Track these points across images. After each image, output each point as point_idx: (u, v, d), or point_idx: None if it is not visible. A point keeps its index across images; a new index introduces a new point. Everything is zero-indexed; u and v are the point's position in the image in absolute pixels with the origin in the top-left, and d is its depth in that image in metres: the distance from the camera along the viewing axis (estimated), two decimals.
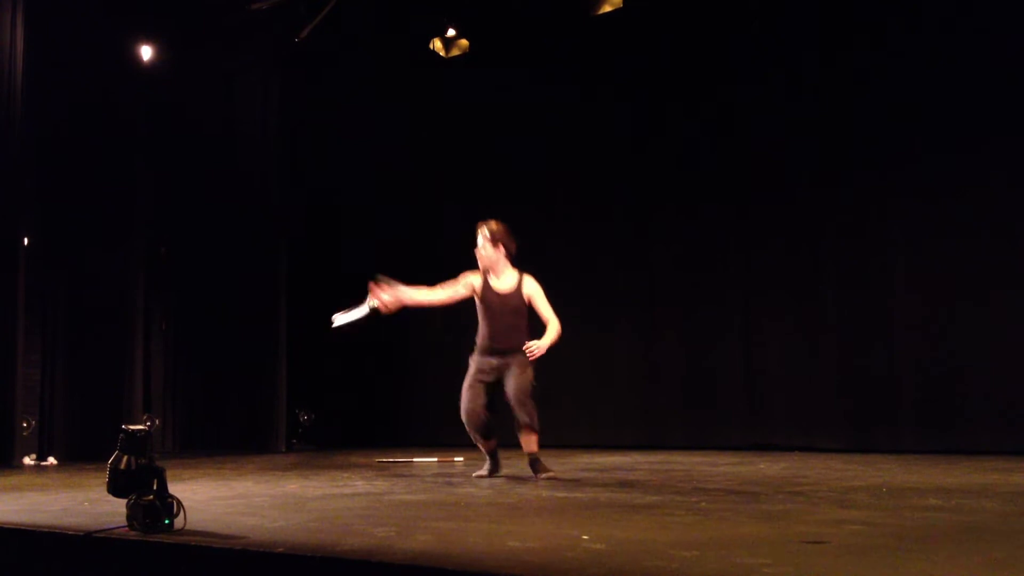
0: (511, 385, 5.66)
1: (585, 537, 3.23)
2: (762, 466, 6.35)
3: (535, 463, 5.70)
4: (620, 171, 9.02)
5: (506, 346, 5.71)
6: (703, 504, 4.23)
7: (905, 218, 7.69)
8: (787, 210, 8.22)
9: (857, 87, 7.87)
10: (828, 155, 8.01)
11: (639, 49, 8.81)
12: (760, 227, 8.34)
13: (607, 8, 8.37)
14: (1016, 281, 7.21)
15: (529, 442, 5.69)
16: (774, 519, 3.70)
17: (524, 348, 5.66)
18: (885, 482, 5.10)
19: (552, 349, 5.74)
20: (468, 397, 5.74)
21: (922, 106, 7.58)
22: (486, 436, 5.80)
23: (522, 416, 5.64)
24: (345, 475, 6.25)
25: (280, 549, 3.07)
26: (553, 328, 5.71)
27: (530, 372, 5.69)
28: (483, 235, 5.76)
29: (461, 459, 7.46)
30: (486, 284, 5.78)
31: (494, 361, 5.73)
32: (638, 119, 8.90)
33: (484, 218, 5.89)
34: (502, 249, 5.74)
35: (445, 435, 9.22)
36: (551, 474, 5.67)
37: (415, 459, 7.52)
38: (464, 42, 9.23)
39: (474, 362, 5.80)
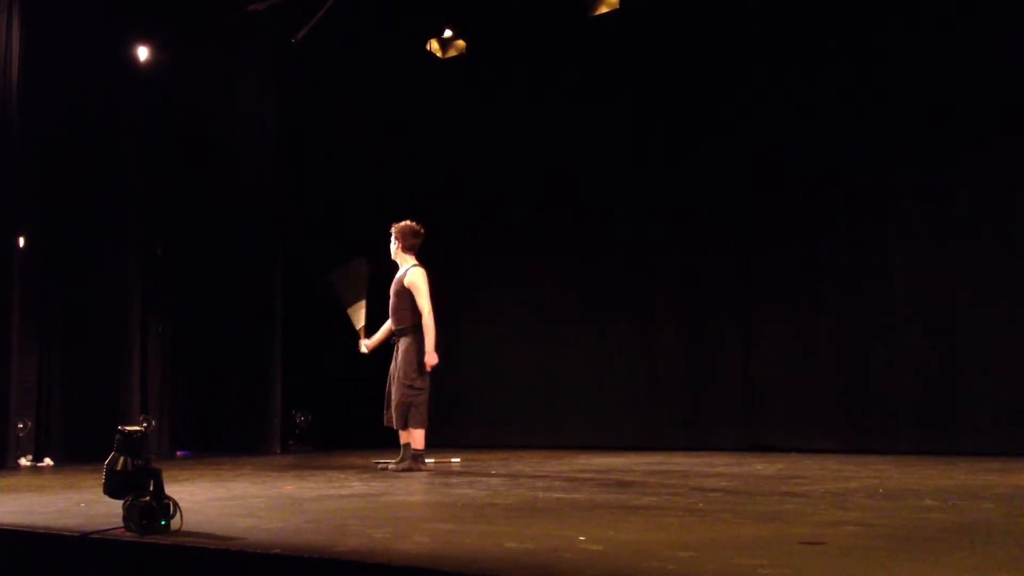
0: (395, 381, 6.57)
1: (582, 538, 3.23)
2: (759, 467, 6.34)
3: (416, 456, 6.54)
4: (620, 171, 9.02)
5: (398, 326, 6.63)
6: (700, 505, 4.22)
7: (904, 219, 7.69)
8: (786, 210, 8.22)
9: (857, 87, 7.87)
10: (828, 155, 8.01)
11: (638, 49, 8.81)
12: (759, 228, 8.34)
13: (604, 9, 8.36)
14: (1015, 282, 7.21)
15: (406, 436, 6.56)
16: (771, 520, 3.70)
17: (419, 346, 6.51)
18: (882, 483, 5.09)
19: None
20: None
21: (922, 106, 7.58)
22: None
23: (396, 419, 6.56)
24: (342, 476, 6.25)
25: (277, 550, 3.06)
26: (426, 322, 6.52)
27: (409, 368, 6.49)
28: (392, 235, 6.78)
29: (458, 460, 7.45)
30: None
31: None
32: (638, 119, 8.90)
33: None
34: (398, 244, 6.74)
35: (442, 436, 9.24)
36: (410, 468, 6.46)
37: None
38: (461, 43, 9.22)
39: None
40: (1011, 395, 7.12)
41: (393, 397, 6.52)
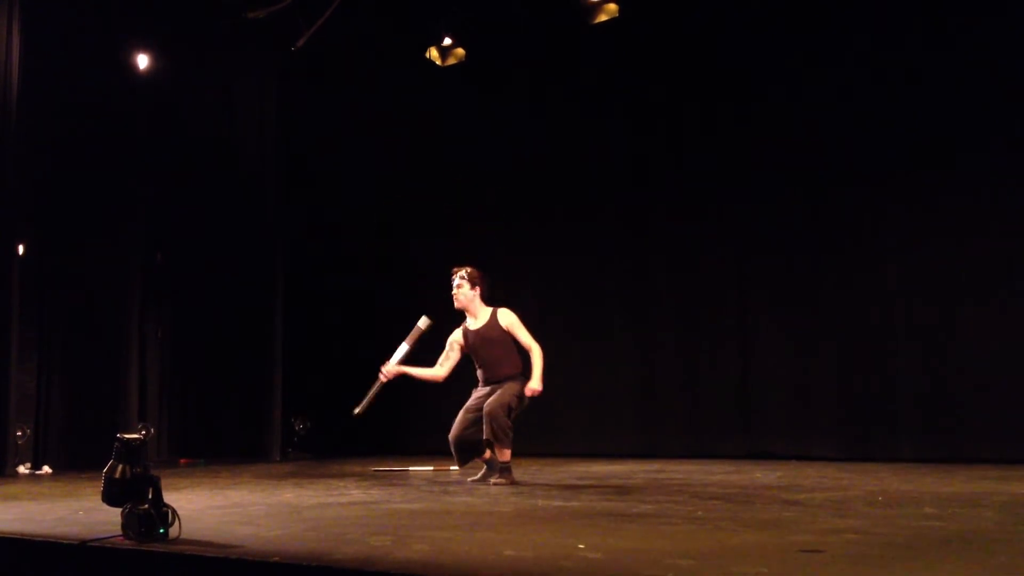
0: (488, 401, 5.98)
1: (581, 546, 3.23)
2: (758, 475, 6.34)
3: (503, 470, 5.98)
4: (619, 176, 9.04)
5: (498, 377, 6.09)
6: (700, 513, 4.22)
7: (902, 225, 7.69)
8: (785, 216, 8.22)
9: (853, 91, 7.88)
10: (825, 162, 8.02)
11: (637, 55, 8.83)
12: (758, 233, 8.34)
13: (603, 17, 8.39)
14: (1013, 290, 7.21)
15: (498, 453, 6.02)
16: (771, 528, 3.70)
17: (522, 386, 6.01)
18: (881, 491, 5.09)
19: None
20: (456, 423, 6.15)
21: (919, 110, 7.59)
22: (462, 461, 6.25)
23: (486, 430, 5.93)
24: (341, 484, 6.24)
25: (275, 558, 3.06)
26: (536, 355, 6.04)
27: (508, 394, 5.97)
28: (460, 277, 6.21)
29: (457, 468, 7.43)
30: (466, 331, 6.23)
31: (487, 390, 6.11)
32: (637, 123, 8.91)
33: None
34: (477, 289, 6.21)
35: (441, 444, 9.22)
36: (503, 482, 5.89)
37: (411, 468, 7.51)
38: (460, 51, 9.24)
39: (473, 394, 6.24)
40: (1010, 402, 7.12)
41: (494, 422, 5.88)
